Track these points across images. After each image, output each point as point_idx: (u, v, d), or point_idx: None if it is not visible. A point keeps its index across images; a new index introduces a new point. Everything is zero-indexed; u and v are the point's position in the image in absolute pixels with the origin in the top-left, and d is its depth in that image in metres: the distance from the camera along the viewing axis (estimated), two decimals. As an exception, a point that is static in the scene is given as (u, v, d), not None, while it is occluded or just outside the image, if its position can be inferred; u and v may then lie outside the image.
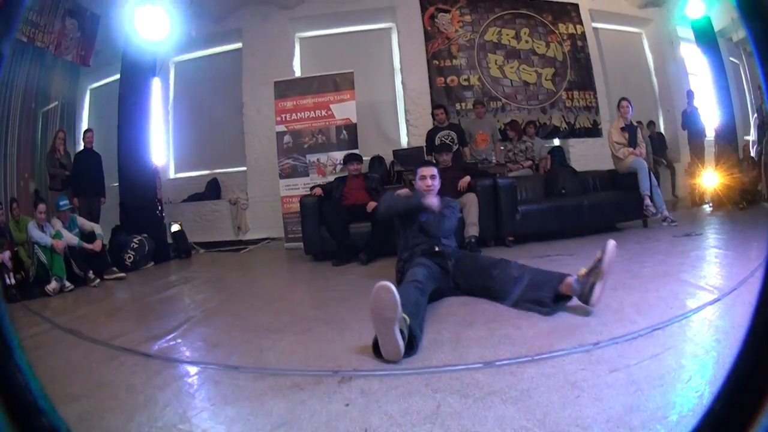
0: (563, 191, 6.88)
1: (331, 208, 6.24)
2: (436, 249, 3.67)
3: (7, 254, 5.67)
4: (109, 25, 9.11)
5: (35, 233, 5.85)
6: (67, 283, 5.73)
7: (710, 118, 10.08)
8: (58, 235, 5.93)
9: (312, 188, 6.84)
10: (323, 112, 8.13)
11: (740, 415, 0.73)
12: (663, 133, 11.04)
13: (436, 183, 4.10)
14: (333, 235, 6.09)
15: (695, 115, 10.01)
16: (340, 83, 8.17)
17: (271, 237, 9.43)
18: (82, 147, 8.47)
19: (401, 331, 2.34)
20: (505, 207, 6.14)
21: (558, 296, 2.98)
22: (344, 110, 8.09)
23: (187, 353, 2.86)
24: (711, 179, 9.23)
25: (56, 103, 9.49)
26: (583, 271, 2.92)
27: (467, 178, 6.08)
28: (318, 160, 8.06)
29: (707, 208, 8.88)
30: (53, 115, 9.47)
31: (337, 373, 2.22)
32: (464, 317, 3.00)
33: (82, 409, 2.07)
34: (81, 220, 6.62)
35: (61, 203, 6.36)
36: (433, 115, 8.17)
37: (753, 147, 10.19)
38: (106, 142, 8.51)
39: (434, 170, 4.14)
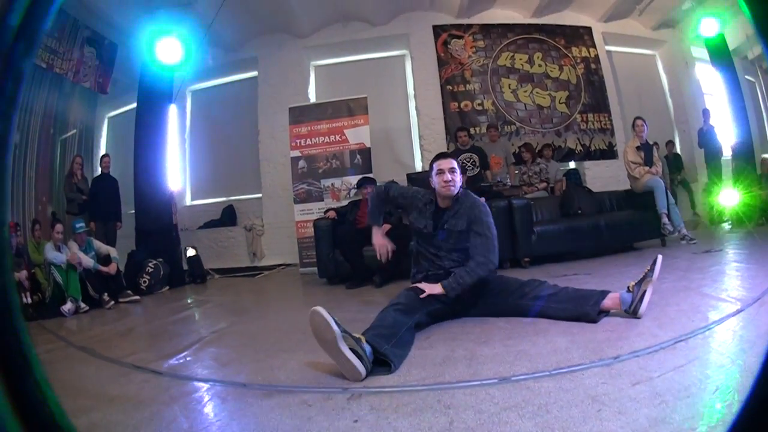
0: (579, 211, 6.78)
1: (345, 231, 6.24)
2: (451, 271, 3.42)
3: (24, 273, 5.81)
4: (127, 53, 9.33)
5: (51, 254, 5.94)
6: (83, 305, 5.81)
7: (727, 136, 10.05)
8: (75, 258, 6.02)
9: (326, 212, 6.89)
10: (337, 137, 8.22)
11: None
12: (679, 153, 11.05)
13: (457, 177, 3.57)
14: (347, 258, 6.08)
15: (711, 134, 10.08)
16: (354, 108, 8.27)
17: (287, 263, 9.46)
18: (99, 172, 8.61)
19: (353, 350, 2.33)
20: (521, 228, 6.08)
21: (600, 312, 2.99)
22: (358, 135, 8.17)
23: (197, 371, 2.82)
24: (729, 197, 9.18)
25: (74, 130, 9.70)
26: (632, 283, 3.00)
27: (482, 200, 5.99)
28: (332, 184, 8.13)
29: (726, 226, 8.82)
30: (71, 141, 9.68)
31: (347, 390, 2.16)
32: (479, 335, 2.92)
33: (89, 421, 2.07)
34: (97, 244, 6.70)
35: (78, 225, 6.44)
36: (456, 136, 8.23)
37: None
38: (124, 168, 8.64)
39: (453, 162, 3.62)
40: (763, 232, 7.20)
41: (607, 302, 2.97)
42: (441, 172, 3.56)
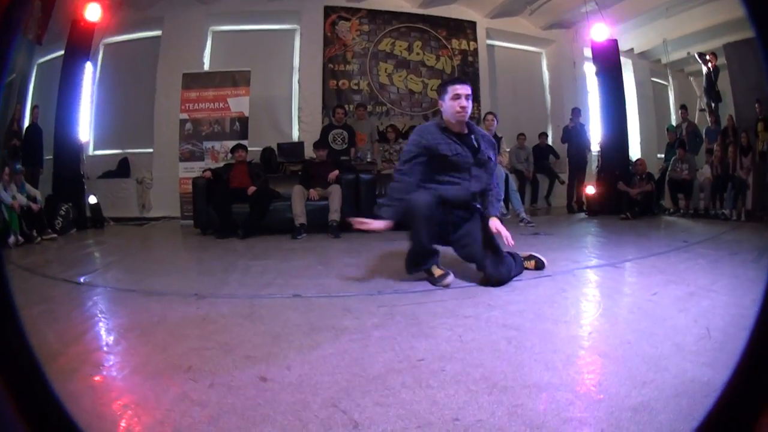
0: (420, 188, 8.35)
1: (217, 189, 7.50)
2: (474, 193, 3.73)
3: None
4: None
5: (2, 194, 7.08)
6: (20, 238, 7.03)
7: (597, 134, 11.14)
8: (15, 198, 7.25)
9: (203, 171, 8.06)
10: (221, 105, 9.65)
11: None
12: (552, 145, 12.01)
13: (470, 104, 3.57)
14: (217, 212, 7.38)
15: (577, 131, 11.03)
16: (238, 80, 9.70)
17: (169, 216, 10.67)
18: (29, 122, 9.69)
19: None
20: (365, 197, 7.70)
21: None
22: (239, 104, 9.63)
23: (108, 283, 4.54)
24: (588, 190, 10.44)
25: (14, 75, 9.95)
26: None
27: (336, 172, 7.52)
28: (213, 147, 9.54)
29: (582, 215, 10.06)
30: (12, 89, 10.02)
31: (196, 295, 3.65)
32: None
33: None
34: (27, 186, 7.95)
35: (18, 167, 7.81)
36: (333, 112, 9.82)
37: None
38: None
39: (469, 89, 3.58)
40: (618, 225, 8.29)
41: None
42: (457, 96, 3.51)
